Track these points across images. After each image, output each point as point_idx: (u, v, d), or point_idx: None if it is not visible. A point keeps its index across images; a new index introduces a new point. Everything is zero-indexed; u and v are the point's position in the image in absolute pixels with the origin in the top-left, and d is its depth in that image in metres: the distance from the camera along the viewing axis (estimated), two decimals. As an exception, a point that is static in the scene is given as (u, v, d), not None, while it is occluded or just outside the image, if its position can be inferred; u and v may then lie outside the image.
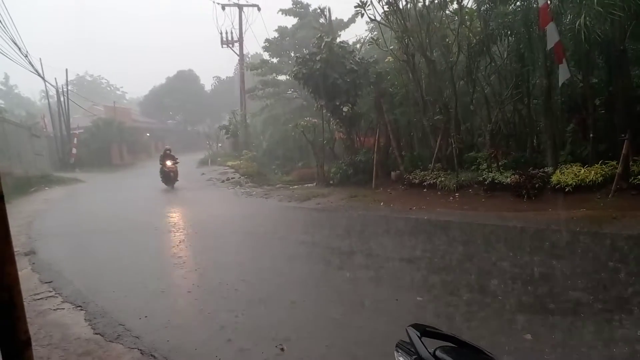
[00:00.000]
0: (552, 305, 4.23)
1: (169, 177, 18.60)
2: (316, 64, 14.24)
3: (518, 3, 10.72)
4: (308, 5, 25.82)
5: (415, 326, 1.45)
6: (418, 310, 4.45)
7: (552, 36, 9.08)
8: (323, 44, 14.53)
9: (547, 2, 9.27)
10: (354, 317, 4.41)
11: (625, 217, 7.31)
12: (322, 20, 22.62)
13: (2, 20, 19.16)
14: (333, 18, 23.64)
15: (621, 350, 3.31)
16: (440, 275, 5.50)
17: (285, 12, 26.18)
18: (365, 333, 4.02)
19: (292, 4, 26.08)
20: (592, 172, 8.97)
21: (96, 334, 4.40)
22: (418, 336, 1.39)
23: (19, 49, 21.34)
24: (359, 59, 14.89)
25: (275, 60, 27.33)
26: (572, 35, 9.14)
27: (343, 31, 25.28)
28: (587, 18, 8.42)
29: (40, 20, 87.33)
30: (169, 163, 18.71)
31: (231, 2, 28.84)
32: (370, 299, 4.89)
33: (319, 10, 23.33)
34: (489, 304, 4.43)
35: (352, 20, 25.03)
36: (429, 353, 1.32)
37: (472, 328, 3.93)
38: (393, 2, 12.73)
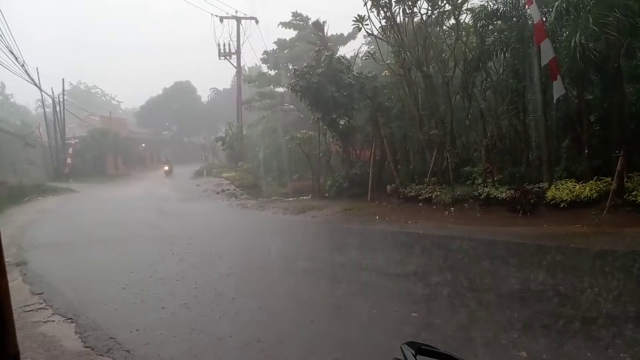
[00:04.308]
0: (540, 321, 4.21)
1: None
2: (314, 77, 14.29)
3: (514, 19, 10.85)
4: (308, 18, 25.92)
5: (410, 344, 1.42)
6: (415, 324, 4.42)
7: (547, 53, 9.20)
8: (323, 57, 14.63)
9: (542, 19, 9.41)
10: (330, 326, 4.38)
11: (619, 233, 7.33)
12: (320, 34, 22.77)
13: None
14: (333, 33, 23.83)
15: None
16: (434, 289, 5.47)
17: (285, 25, 26.36)
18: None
19: (292, 17, 26.26)
20: (587, 188, 9.00)
21: (86, 347, 4.32)
22: (413, 354, 1.36)
23: (16, 58, 21.40)
24: (356, 73, 14.97)
25: (273, 72, 27.48)
26: (567, 52, 9.24)
27: (342, 46, 25.52)
28: (583, 36, 8.53)
29: (34, 24, 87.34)
30: None
31: (229, 15, 29.15)
32: (360, 313, 4.86)
33: (315, 25, 23.54)
34: (477, 319, 4.42)
35: (352, 36, 25.25)
36: (424, 371, 1.30)
37: (456, 340, 3.90)
38: (390, 17, 12.87)
